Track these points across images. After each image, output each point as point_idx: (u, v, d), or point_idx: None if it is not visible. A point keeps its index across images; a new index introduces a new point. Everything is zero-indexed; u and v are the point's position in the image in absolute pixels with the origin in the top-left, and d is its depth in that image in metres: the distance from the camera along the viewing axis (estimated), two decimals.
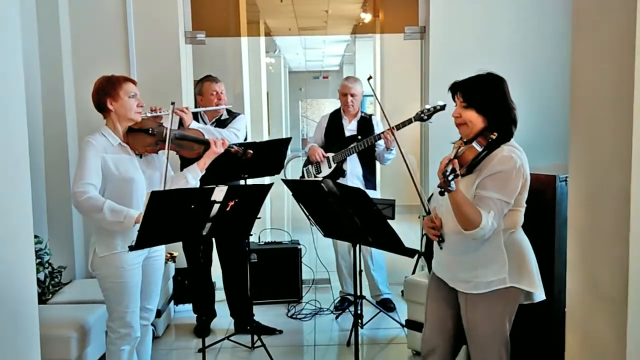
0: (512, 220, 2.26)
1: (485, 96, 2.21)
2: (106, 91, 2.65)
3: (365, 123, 4.21)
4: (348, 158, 4.08)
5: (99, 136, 2.65)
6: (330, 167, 4.12)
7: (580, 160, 2.23)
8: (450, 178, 1.96)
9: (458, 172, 2.00)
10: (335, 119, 4.28)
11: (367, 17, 9.02)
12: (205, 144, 2.88)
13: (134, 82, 2.73)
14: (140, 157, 2.74)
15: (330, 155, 4.13)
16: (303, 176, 4.22)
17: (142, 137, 2.72)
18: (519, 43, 4.13)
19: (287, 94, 18.26)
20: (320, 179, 4.02)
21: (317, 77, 21.38)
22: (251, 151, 3.16)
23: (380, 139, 3.95)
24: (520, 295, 2.26)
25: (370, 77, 2.93)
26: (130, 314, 2.67)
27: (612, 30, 1.93)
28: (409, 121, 3.77)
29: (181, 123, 3.41)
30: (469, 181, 2.21)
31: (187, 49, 4.34)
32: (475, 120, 2.22)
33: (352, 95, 4.16)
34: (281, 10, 9.36)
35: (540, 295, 2.30)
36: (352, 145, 4.05)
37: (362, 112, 4.25)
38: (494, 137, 2.16)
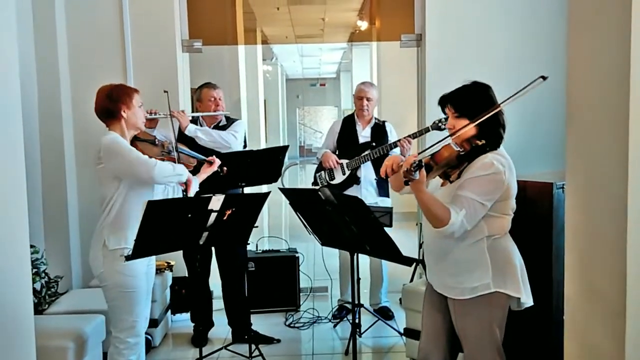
0: (497, 226, 2.28)
1: (475, 104, 2.26)
2: (120, 98, 2.67)
3: (379, 130, 4.19)
4: (362, 165, 4.08)
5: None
6: (344, 174, 4.10)
7: (577, 168, 2.23)
8: (414, 168, 2.03)
9: (423, 163, 2.07)
10: (348, 124, 4.24)
11: (363, 25, 9.05)
12: (199, 160, 2.99)
13: (138, 92, 2.79)
14: None
15: (344, 161, 4.11)
16: (315, 182, 4.20)
17: (150, 147, 2.80)
18: (514, 50, 4.14)
19: (285, 102, 18.27)
20: (333, 184, 4.06)
21: (314, 85, 21.42)
22: (226, 168, 3.15)
23: (396, 146, 3.93)
24: (506, 300, 2.28)
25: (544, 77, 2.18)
26: (140, 323, 2.67)
27: (608, 36, 1.94)
28: (426, 130, 3.76)
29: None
30: (452, 188, 2.24)
31: (184, 57, 4.35)
32: (469, 129, 2.25)
33: (367, 100, 4.13)
34: (278, 18, 9.39)
35: (527, 301, 2.31)
36: (367, 152, 4.03)
37: (375, 118, 4.23)
38: (480, 144, 2.21)
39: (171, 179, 2.70)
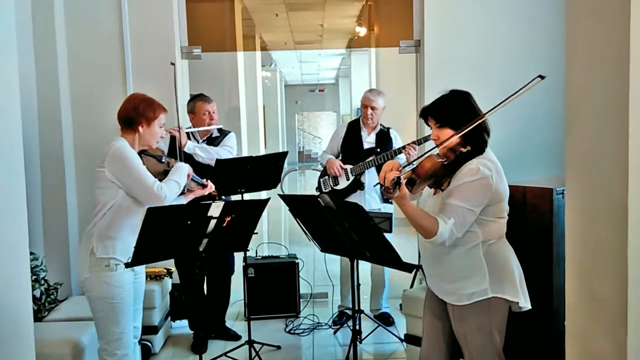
0: (492, 230, 2.28)
1: (456, 113, 2.27)
2: (144, 114, 2.65)
3: (384, 136, 4.19)
4: (366, 171, 4.07)
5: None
6: (348, 180, 4.10)
7: (577, 173, 2.23)
8: (392, 186, 2.05)
9: (401, 181, 2.08)
10: (353, 129, 4.23)
11: (362, 31, 9.08)
12: (201, 185, 2.94)
13: (166, 112, 2.77)
14: None
15: (349, 167, 4.12)
16: (319, 187, 4.20)
17: (154, 163, 2.76)
18: (513, 55, 4.15)
19: (284, 107, 18.33)
20: (335, 190, 4.06)
21: (313, 90, 21.50)
22: (216, 193, 3.14)
23: (401, 152, 3.92)
24: (505, 305, 2.28)
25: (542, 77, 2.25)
26: (128, 334, 2.62)
27: (606, 40, 1.94)
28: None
29: (174, 142, 3.56)
30: (443, 196, 2.25)
31: (183, 64, 4.35)
32: (452, 138, 2.26)
33: (372, 109, 4.12)
34: (277, 24, 9.42)
35: (525, 305, 2.31)
36: (371, 158, 4.03)
37: (380, 124, 4.23)
38: (464, 151, 2.22)
39: (170, 196, 2.67)
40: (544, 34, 4.12)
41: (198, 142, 3.83)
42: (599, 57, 2.00)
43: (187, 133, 3.75)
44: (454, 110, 2.27)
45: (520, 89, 2.24)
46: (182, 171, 2.77)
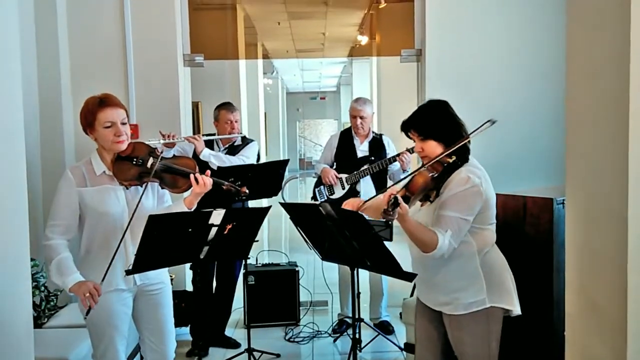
0: (484, 239, 2.29)
1: (437, 123, 2.28)
2: (82, 120, 2.50)
3: (377, 143, 4.20)
4: (361, 179, 4.08)
5: (82, 165, 2.49)
6: (344, 189, 4.11)
7: (577, 183, 2.24)
8: (390, 209, 2.02)
9: (399, 201, 2.05)
10: (346, 139, 4.25)
11: (363, 40, 9.12)
12: (181, 175, 2.57)
13: (117, 106, 2.48)
14: (127, 188, 2.51)
15: (344, 176, 4.12)
16: (315, 197, 4.20)
17: (127, 168, 2.48)
18: (514, 64, 4.16)
19: (285, 115, 18.38)
20: (332, 199, 4.07)
21: (314, 98, 21.54)
22: (247, 190, 2.96)
23: (395, 160, 3.94)
24: (502, 313, 2.30)
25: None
26: (111, 355, 2.53)
27: (606, 49, 1.95)
28: None
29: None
30: (433, 208, 2.26)
31: (185, 71, 4.37)
32: (436, 149, 2.28)
33: (361, 118, 4.14)
34: (279, 32, 9.47)
35: (518, 311, 2.32)
36: (366, 167, 4.04)
37: (373, 132, 4.25)
38: (451, 161, 2.23)
39: (44, 250, 2.44)
40: (546, 43, 4.13)
41: (220, 150, 3.93)
42: (600, 66, 2.01)
43: (211, 140, 3.85)
44: (436, 121, 2.28)
45: (473, 131, 2.28)
46: (70, 279, 2.38)
